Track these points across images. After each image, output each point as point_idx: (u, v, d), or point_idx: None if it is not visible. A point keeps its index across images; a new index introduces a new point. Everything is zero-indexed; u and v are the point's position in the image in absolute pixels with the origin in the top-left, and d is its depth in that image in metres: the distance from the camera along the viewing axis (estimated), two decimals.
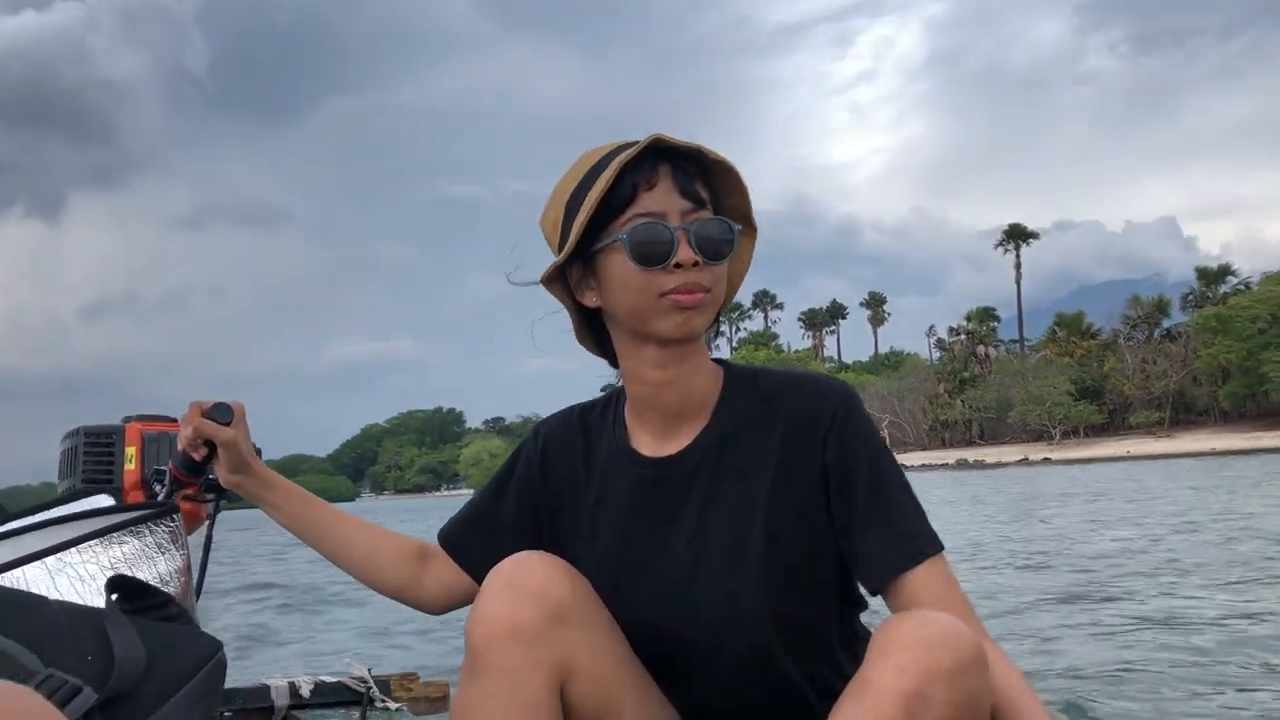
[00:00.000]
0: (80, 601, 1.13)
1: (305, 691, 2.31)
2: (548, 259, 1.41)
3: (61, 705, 0.90)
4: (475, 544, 1.50)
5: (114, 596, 1.10)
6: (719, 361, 1.46)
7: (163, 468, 1.60)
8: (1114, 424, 76.06)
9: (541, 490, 1.50)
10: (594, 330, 1.45)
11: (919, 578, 1.29)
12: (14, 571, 1.18)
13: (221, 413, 1.51)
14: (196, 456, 1.52)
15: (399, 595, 1.57)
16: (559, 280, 1.40)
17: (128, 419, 1.73)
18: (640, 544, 1.40)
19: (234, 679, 2.34)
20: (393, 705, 2.33)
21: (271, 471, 1.57)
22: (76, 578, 1.21)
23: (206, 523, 1.64)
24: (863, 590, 1.41)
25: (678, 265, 1.31)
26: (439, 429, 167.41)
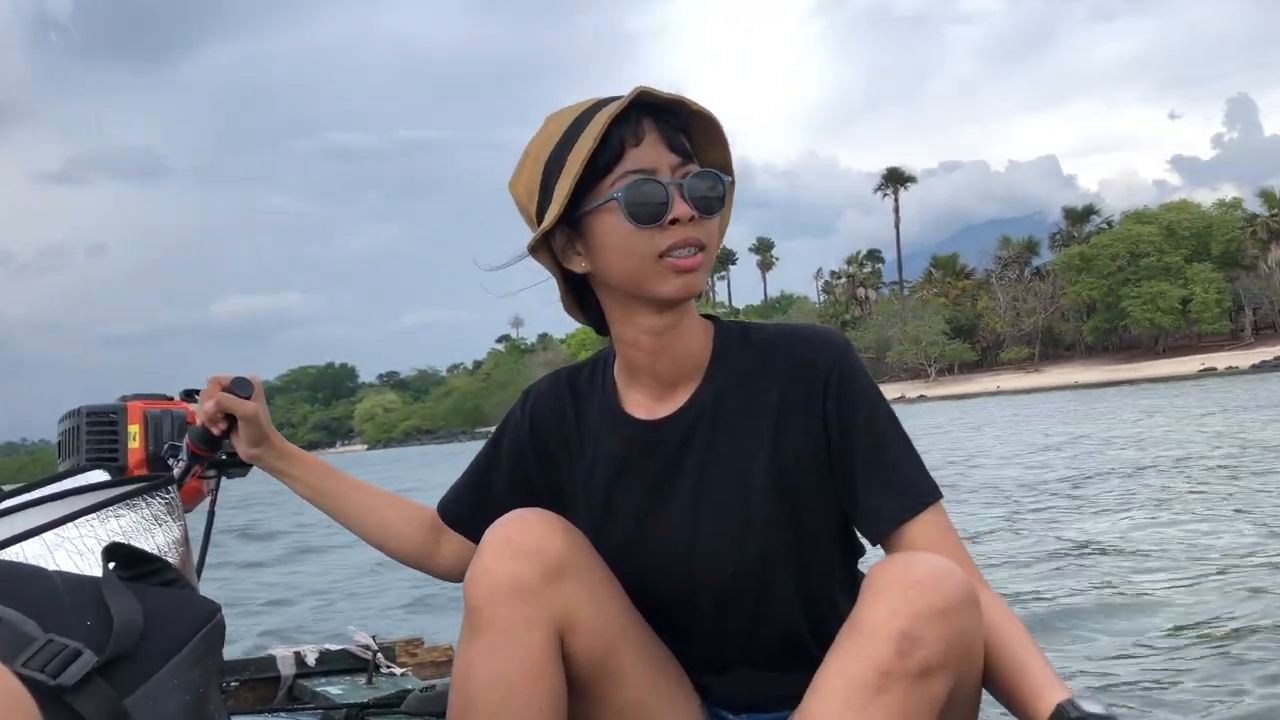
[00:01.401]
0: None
1: (311, 660, 2.28)
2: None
3: (62, 668, 0.90)
4: (475, 514, 1.47)
5: (111, 565, 1.09)
6: (707, 317, 1.42)
7: (178, 443, 1.58)
8: (987, 360, 78.58)
9: (532, 456, 1.47)
10: (578, 296, 1.40)
11: (918, 527, 1.29)
12: (13, 548, 1.17)
13: (242, 387, 1.49)
14: (216, 431, 1.50)
15: (414, 563, 1.56)
16: (543, 247, 1.33)
17: (125, 398, 1.70)
18: (639, 506, 1.38)
19: (239, 652, 2.28)
20: (398, 670, 2.30)
21: (289, 444, 1.55)
22: (75, 552, 1.20)
23: (209, 499, 1.62)
24: (862, 538, 1.41)
25: (673, 222, 1.26)
26: (331, 385, 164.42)
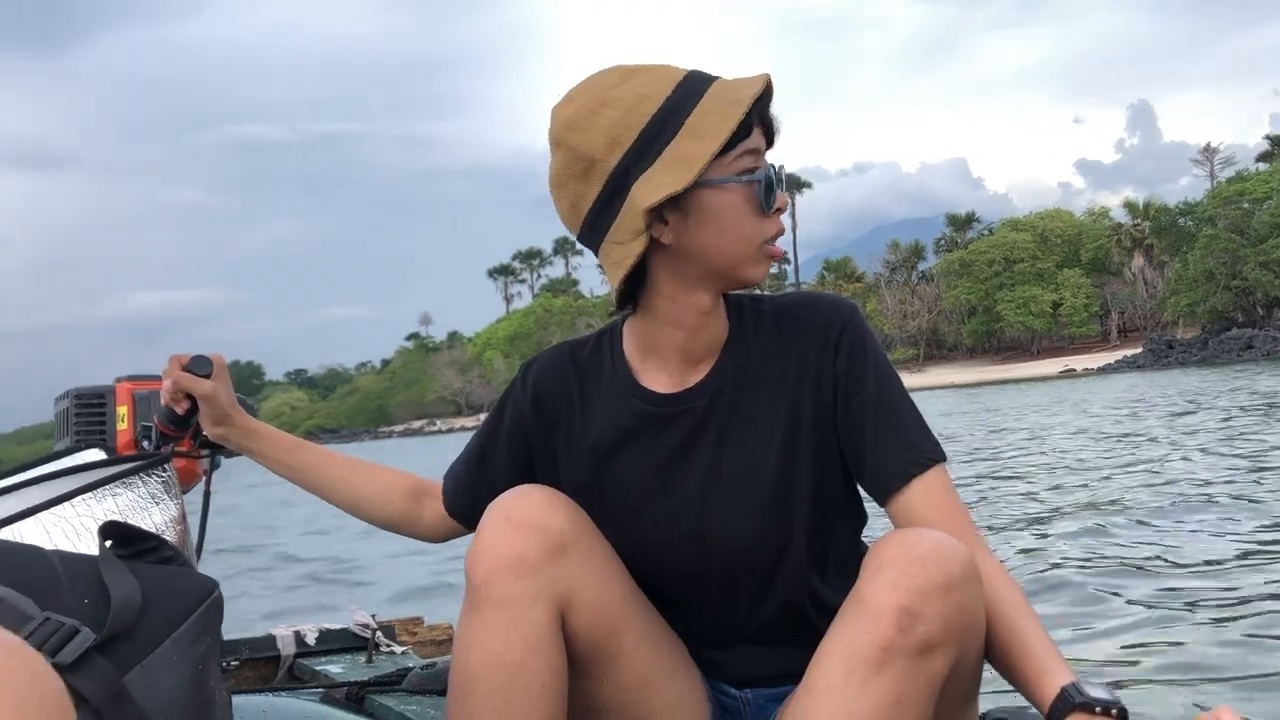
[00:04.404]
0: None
1: (311, 639, 2.24)
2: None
3: (60, 646, 0.89)
4: (475, 498, 1.42)
5: (108, 543, 1.08)
6: None
7: (149, 423, 1.56)
8: None
9: (535, 429, 1.42)
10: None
11: (922, 487, 1.27)
12: (9, 528, 1.15)
13: (200, 365, 1.46)
14: (179, 410, 1.48)
15: (396, 529, 1.55)
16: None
17: (119, 379, 1.69)
18: (653, 479, 1.36)
19: (239, 632, 2.27)
20: (398, 649, 2.26)
21: (256, 421, 1.52)
22: (72, 531, 1.18)
23: (204, 479, 1.60)
24: (864, 502, 1.40)
25: (777, 210, 1.27)
26: (238, 383, 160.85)
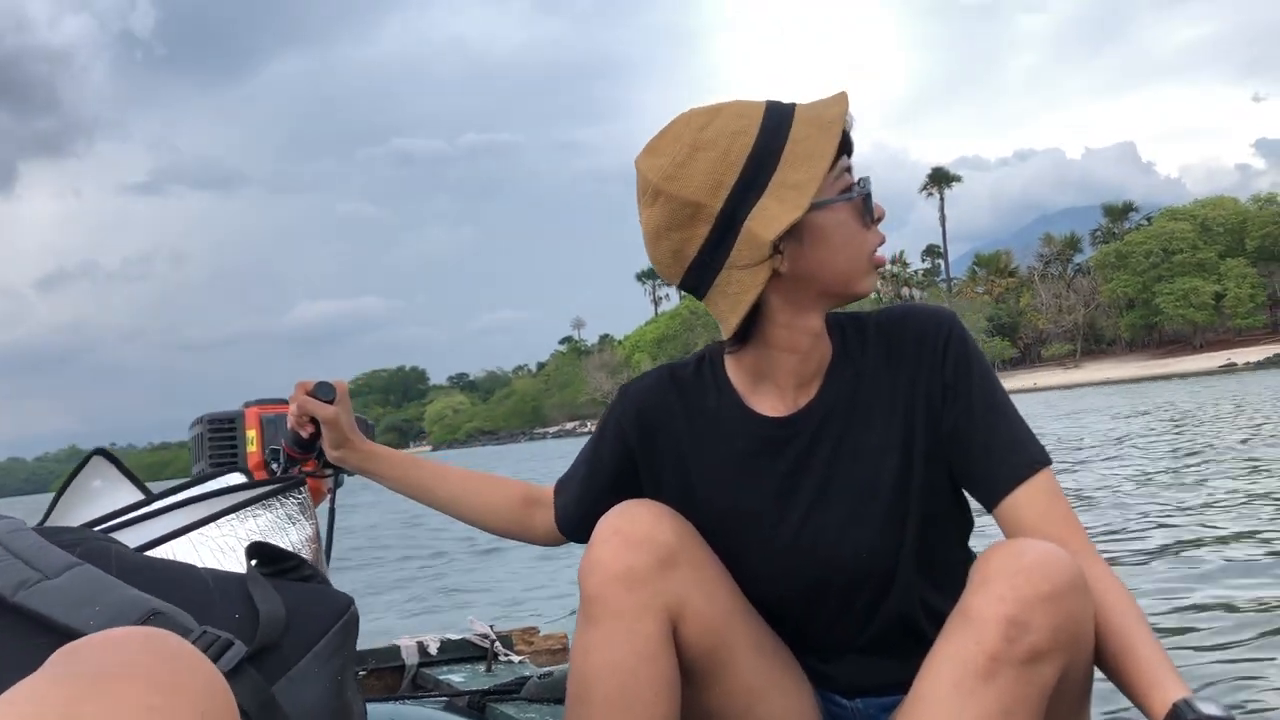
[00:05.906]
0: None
1: (433, 649, 2.31)
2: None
3: (216, 657, 0.93)
4: (578, 511, 1.46)
5: (253, 562, 1.13)
6: None
7: (277, 447, 1.60)
8: (1028, 357, 78.26)
9: (638, 448, 1.42)
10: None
11: (1028, 491, 1.26)
12: (162, 547, 1.21)
13: (324, 391, 1.50)
14: (304, 433, 1.53)
15: (511, 536, 1.58)
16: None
17: (247, 404, 1.74)
18: (768, 500, 1.35)
19: (363, 642, 2.24)
20: (515, 658, 2.33)
21: (373, 444, 1.56)
22: (217, 549, 1.24)
23: (329, 497, 1.64)
24: (970, 508, 1.38)
25: (877, 220, 1.28)
26: (403, 387, 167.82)
